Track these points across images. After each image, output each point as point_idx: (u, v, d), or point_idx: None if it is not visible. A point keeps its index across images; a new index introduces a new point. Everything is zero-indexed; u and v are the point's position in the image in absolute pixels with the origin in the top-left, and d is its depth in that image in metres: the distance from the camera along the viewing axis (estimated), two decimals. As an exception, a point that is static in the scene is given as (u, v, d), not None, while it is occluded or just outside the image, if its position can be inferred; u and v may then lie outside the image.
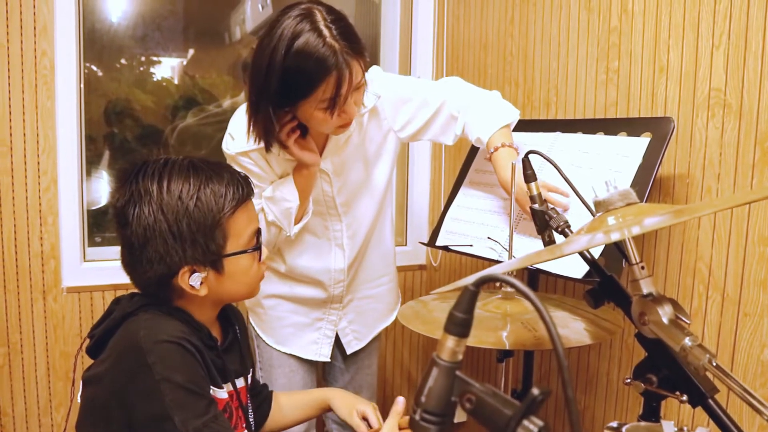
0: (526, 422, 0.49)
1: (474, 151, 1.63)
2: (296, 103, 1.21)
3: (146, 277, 1.00)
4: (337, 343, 1.60)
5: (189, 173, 0.99)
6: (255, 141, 1.30)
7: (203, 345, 1.02)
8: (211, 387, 1.02)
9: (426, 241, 1.62)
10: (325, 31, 1.15)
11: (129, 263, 1.02)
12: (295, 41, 1.14)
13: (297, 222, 1.39)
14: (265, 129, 1.26)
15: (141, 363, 0.92)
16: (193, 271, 1.00)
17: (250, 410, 1.16)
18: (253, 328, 1.58)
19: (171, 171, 0.99)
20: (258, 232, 1.08)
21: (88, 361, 1.06)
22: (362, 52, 1.21)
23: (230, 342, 1.14)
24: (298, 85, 1.18)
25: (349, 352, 1.61)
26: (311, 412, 1.31)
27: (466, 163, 1.63)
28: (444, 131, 1.48)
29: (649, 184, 1.22)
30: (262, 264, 1.10)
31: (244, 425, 1.12)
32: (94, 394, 0.99)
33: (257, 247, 1.06)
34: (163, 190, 0.97)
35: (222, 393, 1.05)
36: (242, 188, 1.03)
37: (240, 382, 1.13)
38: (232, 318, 1.17)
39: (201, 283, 1.01)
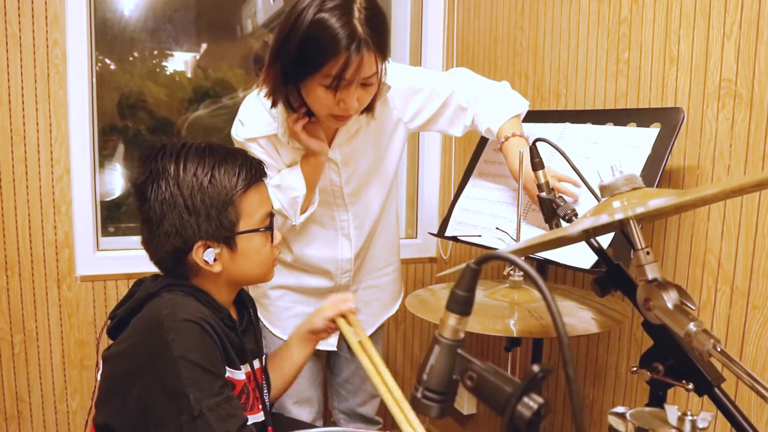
0: (526, 399, 0.49)
1: (483, 142, 1.63)
2: (304, 77, 1.19)
3: (162, 251, 1.05)
4: (343, 333, 1.61)
5: (205, 154, 1.05)
6: (265, 96, 1.29)
7: (224, 326, 1.05)
8: (229, 369, 1.04)
9: (436, 233, 1.63)
10: (355, 13, 1.14)
11: (147, 239, 1.07)
12: (321, 11, 1.14)
13: (303, 212, 1.40)
14: (275, 85, 1.26)
15: (161, 340, 0.95)
16: (207, 246, 1.04)
17: (266, 390, 1.19)
18: (260, 319, 1.59)
19: (188, 152, 1.05)
20: (271, 214, 1.11)
21: (106, 345, 1.08)
22: (382, 49, 1.20)
23: (246, 324, 1.17)
24: (310, 57, 1.16)
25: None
26: (297, 354, 1.27)
27: (475, 154, 1.64)
28: (452, 122, 1.48)
29: (657, 174, 1.22)
30: (275, 247, 1.14)
31: (260, 405, 1.14)
32: (113, 370, 1.02)
33: (269, 227, 1.10)
34: (180, 168, 1.03)
35: (240, 374, 1.08)
36: (255, 169, 1.09)
37: (257, 363, 1.16)
38: (246, 302, 1.21)
39: (215, 260, 1.05)
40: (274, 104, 1.30)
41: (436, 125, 1.49)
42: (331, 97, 1.21)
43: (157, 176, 1.03)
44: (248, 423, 1.01)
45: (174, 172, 1.02)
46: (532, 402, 0.49)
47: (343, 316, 1.20)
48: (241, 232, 1.06)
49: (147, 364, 0.96)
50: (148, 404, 0.96)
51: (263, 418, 1.13)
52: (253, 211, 1.07)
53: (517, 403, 0.49)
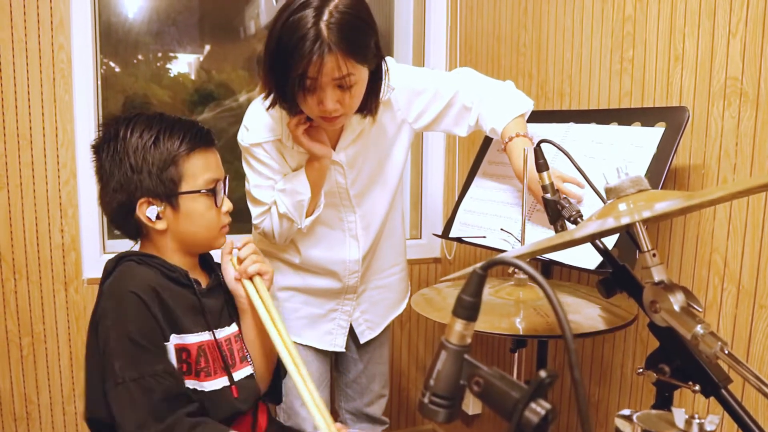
0: (533, 405, 0.49)
1: (487, 142, 1.63)
2: (285, 78, 1.19)
3: (111, 207, 1.13)
4: (350, 333, 1.61)
5: (153, 121, 1.13)
6: (264, 98, 1.30)
7: (177, 288, 1.10)
8: (178, 335, 1.07)
9: (440, 234, 1.63)
10: (325, 15, 1.13)
11: (100, 196, 1.16)
12: (295, 13, 1.14)
13: (308, 215, 1.40)
14: (269, 88, 1.27)
15: (101, 308, 1.04)
16: (149, 204, 1.11)
17: (242, 351, 1.19)
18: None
19: (139, 118, 1.13)
20: (217, 181, 1.15)
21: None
22: (354, 51, 1.17)
23: (213, 285, 1.20)
24: (283, 59, 1.17)
25: (362, 341, 1.62)
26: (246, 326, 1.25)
27: (479, 154, 1.63)
28: (457, 122, 1.48)
29: (663, 174, 1.21)
30: (225, 214, 1.18)
31: (222, 367, 1.14)
32: (90, 365, 1.08)
33: (211, 190, 1.14)
34: (129, 131, 1.11)
35: (191, 338, 1.09)
36: (201, 137, 1.14)
37: (228, 330, 1.17)
38: (215, 266, 1.25)
39: (158, 217, 1.11)
40: (271, 106, 1.30)
41: (440, 125, 1.49)
42: (307, 99, 1.21)
43: (109, 139, 1.12)
44: (181, 395, 1.03)
45: (123, 134, 1.11)
46: (539, 408, 0.49)
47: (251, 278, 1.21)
48: (182, 192, 1.11)
49: (97, 338, 1.03)
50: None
51: (228, 383, 1.14)
52: (197, 174, 1.13)
53: (524, 409, 0.49)
